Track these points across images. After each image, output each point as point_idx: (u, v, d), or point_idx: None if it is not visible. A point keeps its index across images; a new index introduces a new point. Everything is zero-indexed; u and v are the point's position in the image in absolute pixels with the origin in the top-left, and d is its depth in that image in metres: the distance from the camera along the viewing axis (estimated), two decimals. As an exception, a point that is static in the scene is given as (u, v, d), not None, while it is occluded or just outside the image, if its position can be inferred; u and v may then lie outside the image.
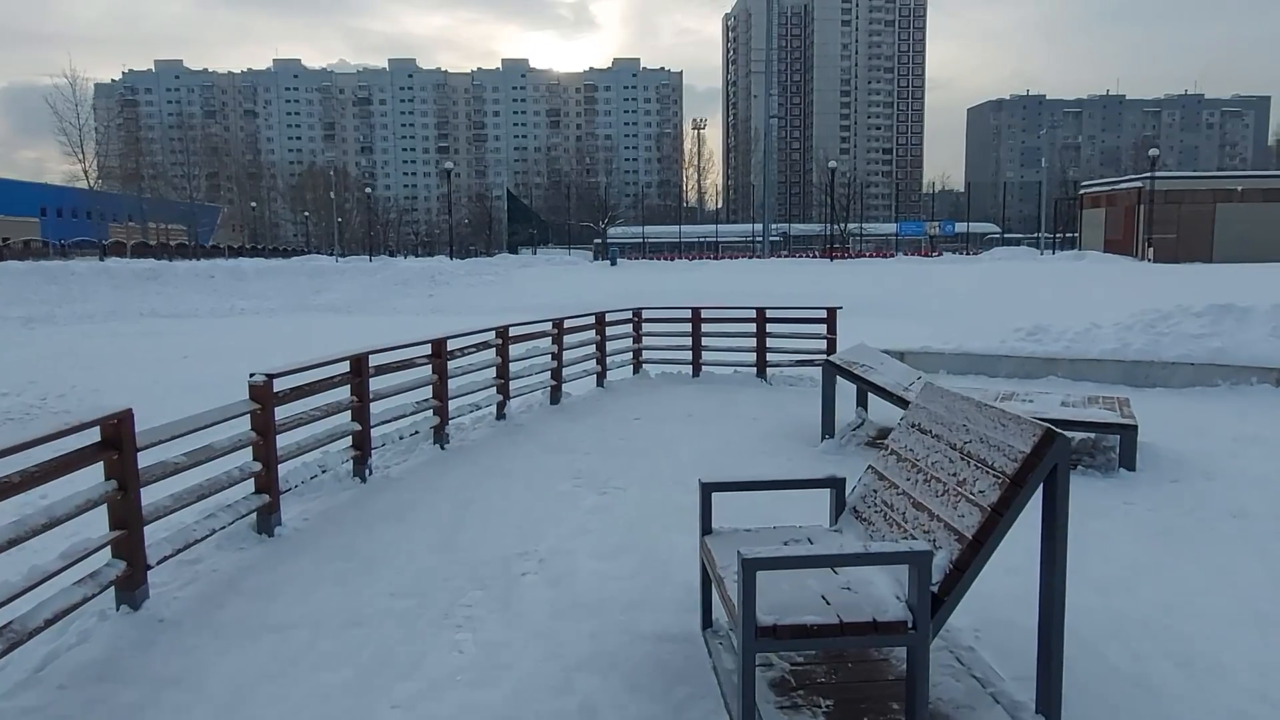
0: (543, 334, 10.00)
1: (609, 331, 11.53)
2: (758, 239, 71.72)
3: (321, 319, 25.21)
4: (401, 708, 3.37)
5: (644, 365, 12.24)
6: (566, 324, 10.49)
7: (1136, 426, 6.65)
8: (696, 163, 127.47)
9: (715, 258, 64.26)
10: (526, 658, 3.73)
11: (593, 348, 11.19)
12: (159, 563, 4.38)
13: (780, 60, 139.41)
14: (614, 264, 49.47)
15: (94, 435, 4.08)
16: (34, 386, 12.62)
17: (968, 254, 62.28)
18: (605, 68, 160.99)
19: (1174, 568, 4.72)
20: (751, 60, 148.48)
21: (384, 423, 6.96)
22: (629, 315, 12.23)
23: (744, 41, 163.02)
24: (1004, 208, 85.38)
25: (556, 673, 3.58)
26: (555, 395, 10.02)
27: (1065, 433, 2.93)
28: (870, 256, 61.37)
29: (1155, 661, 3.64)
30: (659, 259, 63.01)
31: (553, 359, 10.03)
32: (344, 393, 6.47)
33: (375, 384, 6.77)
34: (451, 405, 7.98)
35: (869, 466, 3.97)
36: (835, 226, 65.74)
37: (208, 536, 4.83)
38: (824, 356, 10.08)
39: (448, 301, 30.42)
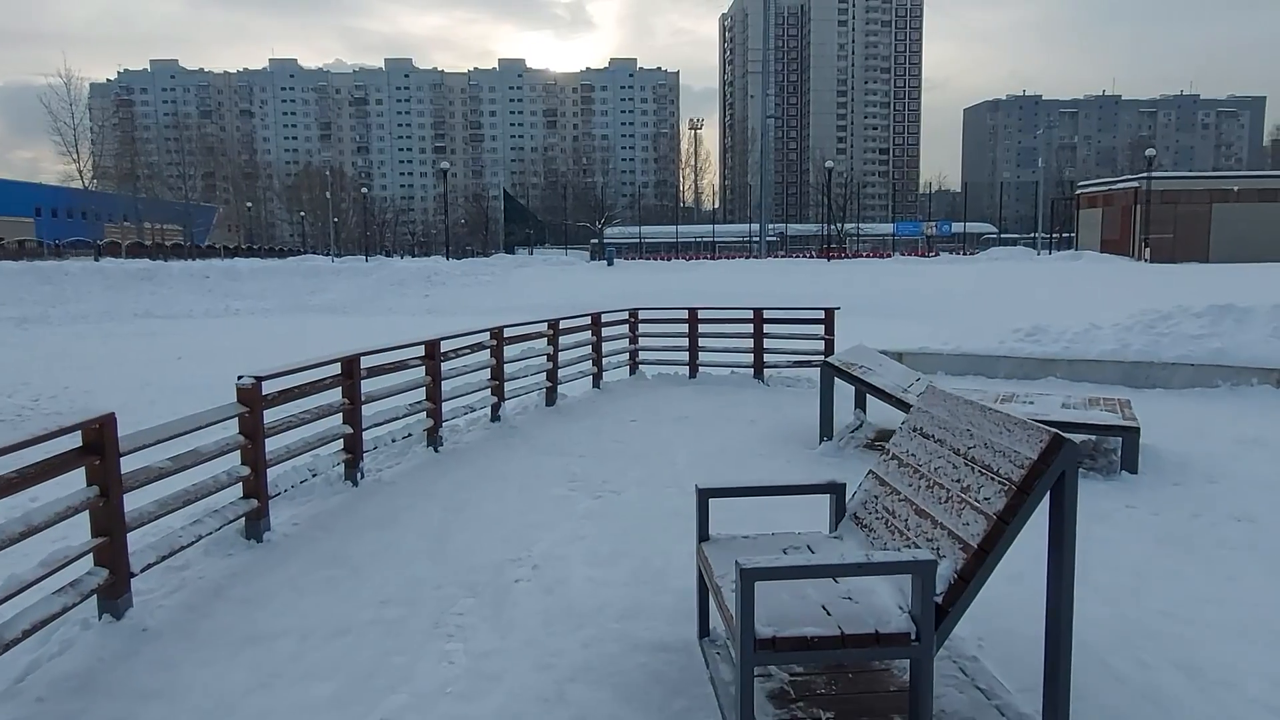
0: (538, 335, 9.90)
1: (605, 332, 11.43)
2: (754, 239, 71.68)
3: (317, 319, 25.09)
4: (389, 721, 3.27)
5: (640, 366, 12.15)
6: (562, 325, 10.40)
7: (1139, 429, 6.57)
8: (693, 163, 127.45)
9: (712, 258, 64.18)
10: (518, 668, 3.63)
11: (589, 349, 11.10)
12: (143, 570, 4.28)
13: (777, 60, 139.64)
14: (610, 264, 49.36)
15: (76, 440, 3.98)
16: (27, 388, 12.53)
17: (964, 254, 62.26)
18: (602, 68, 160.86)
19: (1179, 574, 4.63)
20: (748, 60, 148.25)
21: (376, 425, 6.86)
22: (625, 316, 12.14)
23: (740, 42, 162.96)
24: (1000, 208, 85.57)
25: (548, 684, 3.49)
26: (550, 397, 9.93)
27: (1068, 435, 2.84)
28: (867, 257, 61.29)
29: (1163, 671, 3.56)
30: (656, 259, 62.91)
31: (548, 360, 9.93)
32: (335, 395, 6.38)
33: (367, 386, 6.68)
34: (445, 407, 7.88)
35: (869, 471, 3.88)
36: (832, 226, 65.68)
37: (194, 543, 4.73)
38: (822, 357, 10.01)
39: (444, 302, 30.32)
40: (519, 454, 7.64)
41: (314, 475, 6.12)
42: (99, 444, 3.95)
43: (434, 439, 7.67)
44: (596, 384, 11.10)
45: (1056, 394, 8.44)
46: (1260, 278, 26.57)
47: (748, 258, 60.26)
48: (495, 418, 8.85)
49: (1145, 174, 50.74)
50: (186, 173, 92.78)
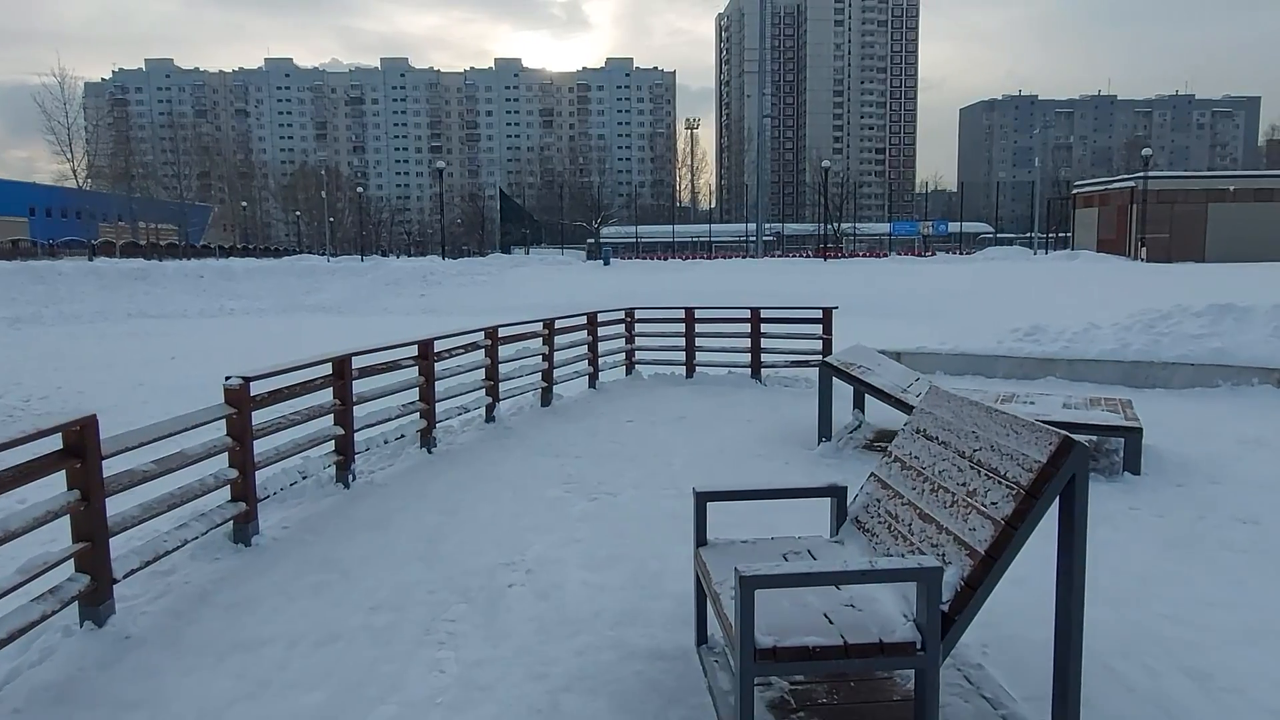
0: (533, 334, 9.80)
1: (601, 332, 11.34)
2: (751, 239, 71.65)
3: (312, 319, 24.98)
4: (378, 733, 3.17)
5: (637, 366, 12.06)
6: (558, 324, 10.30)
7: (1141, 429, 6.49)
8: (690, 162, 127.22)
9: (709, 258, 64.05)
10: (510, 678, 3.53)
11: (585, 348, 11.00)
12: (126, 576, 4.17)
13: (773, 60, 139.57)
14: (607, 264, 49.28)
15: (57, 442, 3.88)
16: (18, 388, 12.41)
17: (961, 254, 62.25)
18: (598, 67, 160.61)
19: (1185, 577, 4.54)
20: (744, 60, 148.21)
21: (368, 426, 6.76)
22: (622, 315, 12.04)
23: (737, 41, 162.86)
24: (997, 208, 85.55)
25: (541, 694, 3.39)
26: (546, 397, 9.83)
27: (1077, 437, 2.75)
28: (863, 256, 61.27)
29: (1172, 678, 3.47)
30: (652, 259, 62.79)
31: (543, 360, 9.84)
32: (326, 396, 6.27)
33: (359, 387, 6.57)
34: (439, 408, 7.78)
35: (871, 474, 3.78)
36: (828, 226, 65.64)
37: (179, 547, 4.62)
38: (820, 357, 9.93)
39: (440, 301, 30.22)
40: (514, 455, 7.54)
41: (304, 477, 6.01)
42: (80, 446, 3.85)
43: (427, 440, 7.57)
44: (592, 384, 11.01)
45: (1057, 394, 8.36)
46: (1257, 277, 26.55)
47: (744, 257, 60.18)
48: (490, 418, 8.75)
49: (1141, 174, 50.75)
50: (181, 172, 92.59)
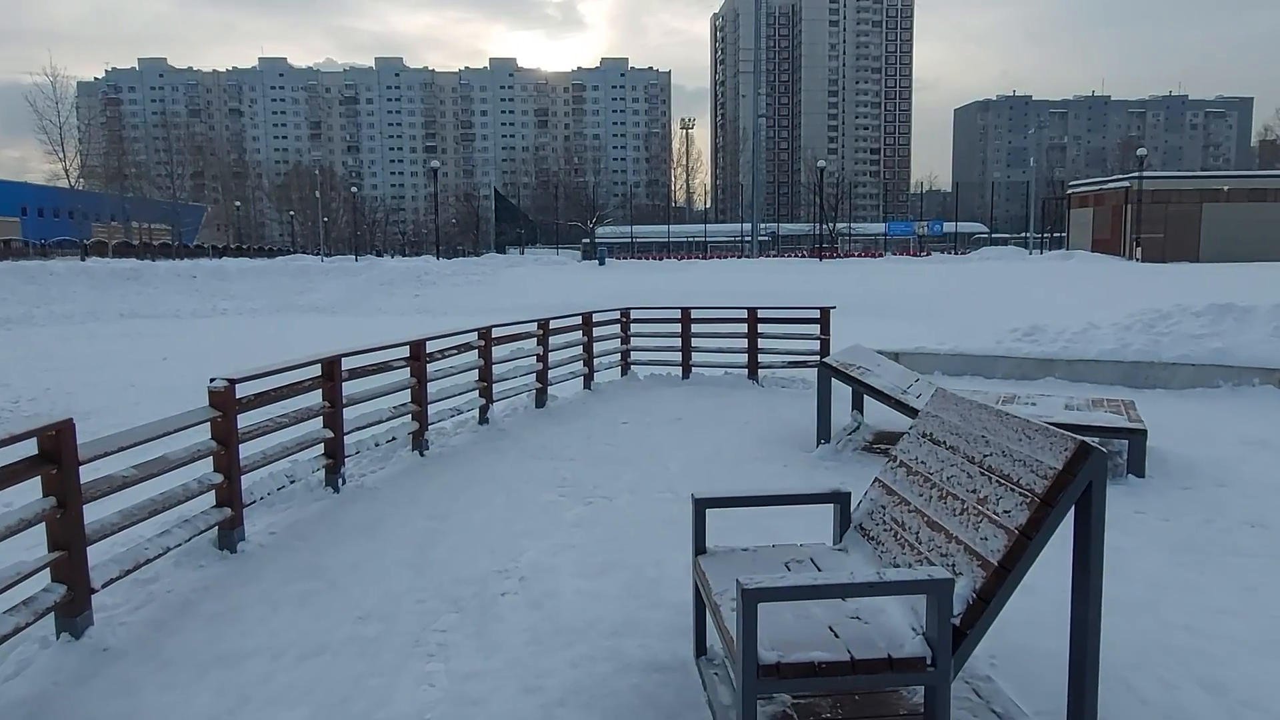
0: (527, 335, 9.67)
1: (596, 332, 11.20)
2: (746, 239, 71.41)
3: (305, 319, 24.81)
4: (363, 751, 3.04)
5: (632, 367, 11.93)
6: (552, 324, 10.17)
7: (1146, 431, 6.38)
8: (685, 162, 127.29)
9: (704, 257, 63.94)
10: (502, 691, 3.40)
11: (579, 349, 10.87)
12: (105, 585, 4.03)
13: (768, 60, 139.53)
14: (602, 264, 49.13)
15: (33, 448, 3.74)
16: (7, 389, 12.27)
17: (956, 254, 62.21)
18: (593, 67, 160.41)
19: (1196, 584, 4.43)
20: (739, 60, 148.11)
21: (359, 429, 6.62)
22: (617, 315, 11.91)
23: (732, 41, 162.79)
24: (992, 208, 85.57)
25: (534, 709, 3.26)
26: (540, 398, 9.70)
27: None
28: (858, 256, 61.20)
29: (1187, 690, 3.35)
30: (647, 259, 62.64)
31: (538, 361, 9.70)
32: (315, 398, 6.13)
33: (349, 388, 6.44)
34: (431, 410, 7.64)
35: (875, 479, 3.66)
36: (824, 226, 65.56)
37: (161, 555, 4.48)
38: (817, 358, 9.81)
39: (434, 302, 30.07)
40: (507, 458, 7.41)
41: (292, 482, 5.87)
42: (55, 452, 3.71)
43: (419, 443, 7.43)
44: (587, 385, 10.88)
45: (1058, 395, 8.25)
46: (1253, 277, 26.53)
47: (739, 257, 60.02)
48: (483, 420, 8.61)
49: (1136, 174, 50.79)
50: (175, 172, 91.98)
